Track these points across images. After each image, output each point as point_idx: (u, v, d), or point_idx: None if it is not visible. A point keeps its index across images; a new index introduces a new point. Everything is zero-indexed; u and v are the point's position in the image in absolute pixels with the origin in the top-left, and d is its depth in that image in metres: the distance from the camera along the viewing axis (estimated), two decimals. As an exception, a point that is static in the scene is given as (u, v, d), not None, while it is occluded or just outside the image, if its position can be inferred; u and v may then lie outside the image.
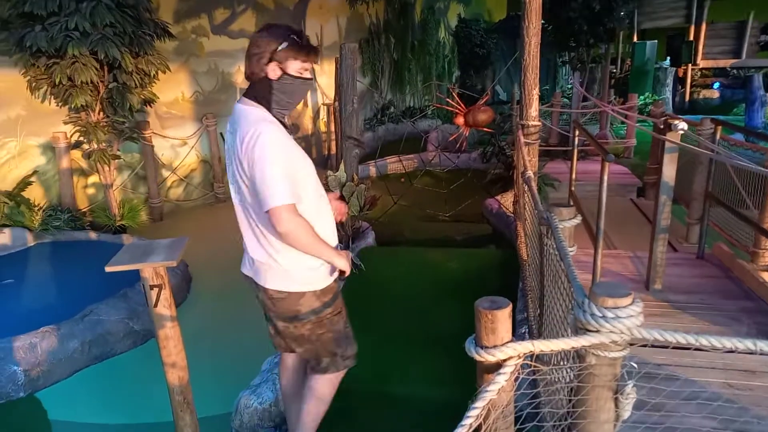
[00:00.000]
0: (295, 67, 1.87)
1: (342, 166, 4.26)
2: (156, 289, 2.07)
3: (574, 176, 4.14)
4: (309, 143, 8.77)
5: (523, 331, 2.88)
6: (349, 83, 4.20)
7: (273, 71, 1.86)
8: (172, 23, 6.34)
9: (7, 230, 4.65)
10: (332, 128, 8.85)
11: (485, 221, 5.19)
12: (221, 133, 6.65)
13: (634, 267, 3.95)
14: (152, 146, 6.00)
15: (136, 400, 3.05)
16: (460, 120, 4.37)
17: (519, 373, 1.39)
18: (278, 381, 2.36)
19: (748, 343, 1.32)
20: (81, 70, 4.44)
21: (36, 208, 4.89)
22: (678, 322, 3.12)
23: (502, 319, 1.35)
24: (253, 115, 1.86)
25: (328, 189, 4.27)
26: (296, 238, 1.83)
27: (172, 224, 6.13)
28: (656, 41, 13.13)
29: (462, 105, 4.39)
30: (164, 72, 5.15)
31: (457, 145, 4.41)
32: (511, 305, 1.38)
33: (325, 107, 8.76)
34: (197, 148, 6.78)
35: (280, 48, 1.84)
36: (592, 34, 8.25)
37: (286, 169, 1.79)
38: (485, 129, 4.45)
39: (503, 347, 1.33)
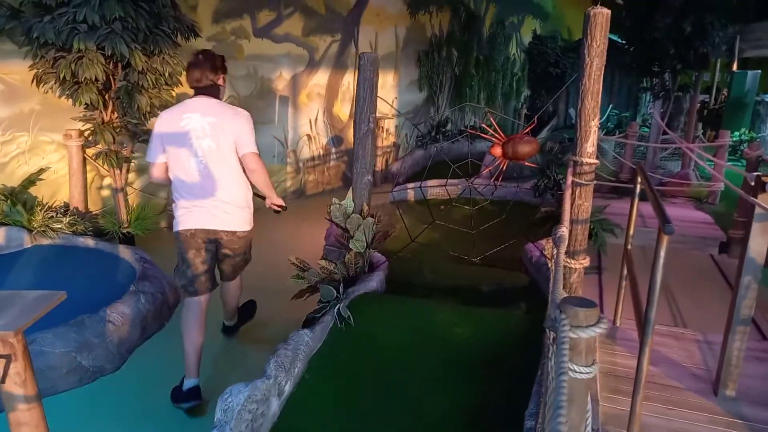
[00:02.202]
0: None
1: (350, 194, 3.65)
2: (3, 361, 1.54)
3: (631, 232, 3.31)
4: (352, 157, 8.26)
5: (529, 447, 2.14)
6: (367, 99, 3.60)
7: (222, 80, 3.02)
8: (210, 23, 6.03)
9: (2, 229, 4.39)
10: (378, 143, 8.31)
11: (523, 269, 4.41)
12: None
13: (701, 357, 3.06)
14: (175, 150, 5.65)
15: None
16: (497, 151, 3.65)
17: None
18: (190, 328, 3.02)
19: None
20: (86, 66, 4.11)
21: (38, 208, 4.61)
22: (753, 456, 2.26)
23: None
24: (225, 104, 2.97)
25: (331, 220, 3.68)
26: (262, 173, 2.95)
27: (188, 235, 5.75)
28: (759, 71, 11.65)
29: (501, 133, 3.67)
30: (180, 74, 4.76)
31: (493, 178, 3.70)
32: None
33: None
34: (227, 155, 6.40)
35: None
36: (679, 59, 7.21)
37: None
38: (528, 163, 3.70)
39: None
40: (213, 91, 2.92)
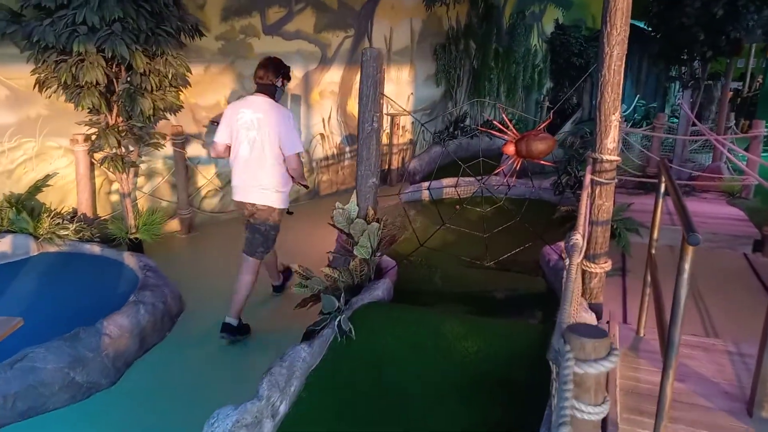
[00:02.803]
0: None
1: (353, 198, 3.48)
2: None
3: (656, 234, 3.07)
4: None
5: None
6: (370, 97, 3.42)
7: (281, 83, 3.66)
8: (218, 21, 5.91)
9: (8, 237, 4.34)
10: (394, 141, 8.12)
11: (540, 274, 4.18)
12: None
13: (733, 372, 2.80)
14: (184, 153, 5.56)
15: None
16: (510, 149, 3.43)
17: None
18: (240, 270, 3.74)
19: None
20: (87, 70, 4.02)
21: (45, 215, 4.56)
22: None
23: None
24: (274, 103, 3.55)
25: (334, 226, 3.52)
26: (299, 170, 3.65)
27: (198, 238, 5.66)
28: (796, 56, 11.06)
29: (514, 131, 3.45)
30: (185, 75, 4.64)
31: (506, 178, 3.49)
32: None
33: (389, 117, 8.03)
34: (238, 156, 6.29)
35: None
36: (710, 46, 6.82)
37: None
38: (543, 162, 3.48)
39: None
40: (270, 90, 3.53)
